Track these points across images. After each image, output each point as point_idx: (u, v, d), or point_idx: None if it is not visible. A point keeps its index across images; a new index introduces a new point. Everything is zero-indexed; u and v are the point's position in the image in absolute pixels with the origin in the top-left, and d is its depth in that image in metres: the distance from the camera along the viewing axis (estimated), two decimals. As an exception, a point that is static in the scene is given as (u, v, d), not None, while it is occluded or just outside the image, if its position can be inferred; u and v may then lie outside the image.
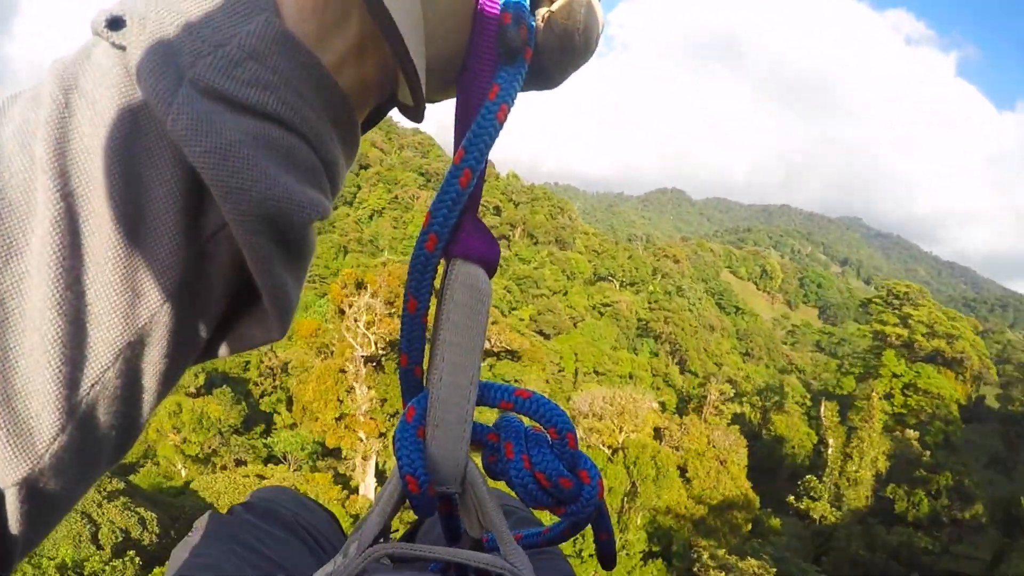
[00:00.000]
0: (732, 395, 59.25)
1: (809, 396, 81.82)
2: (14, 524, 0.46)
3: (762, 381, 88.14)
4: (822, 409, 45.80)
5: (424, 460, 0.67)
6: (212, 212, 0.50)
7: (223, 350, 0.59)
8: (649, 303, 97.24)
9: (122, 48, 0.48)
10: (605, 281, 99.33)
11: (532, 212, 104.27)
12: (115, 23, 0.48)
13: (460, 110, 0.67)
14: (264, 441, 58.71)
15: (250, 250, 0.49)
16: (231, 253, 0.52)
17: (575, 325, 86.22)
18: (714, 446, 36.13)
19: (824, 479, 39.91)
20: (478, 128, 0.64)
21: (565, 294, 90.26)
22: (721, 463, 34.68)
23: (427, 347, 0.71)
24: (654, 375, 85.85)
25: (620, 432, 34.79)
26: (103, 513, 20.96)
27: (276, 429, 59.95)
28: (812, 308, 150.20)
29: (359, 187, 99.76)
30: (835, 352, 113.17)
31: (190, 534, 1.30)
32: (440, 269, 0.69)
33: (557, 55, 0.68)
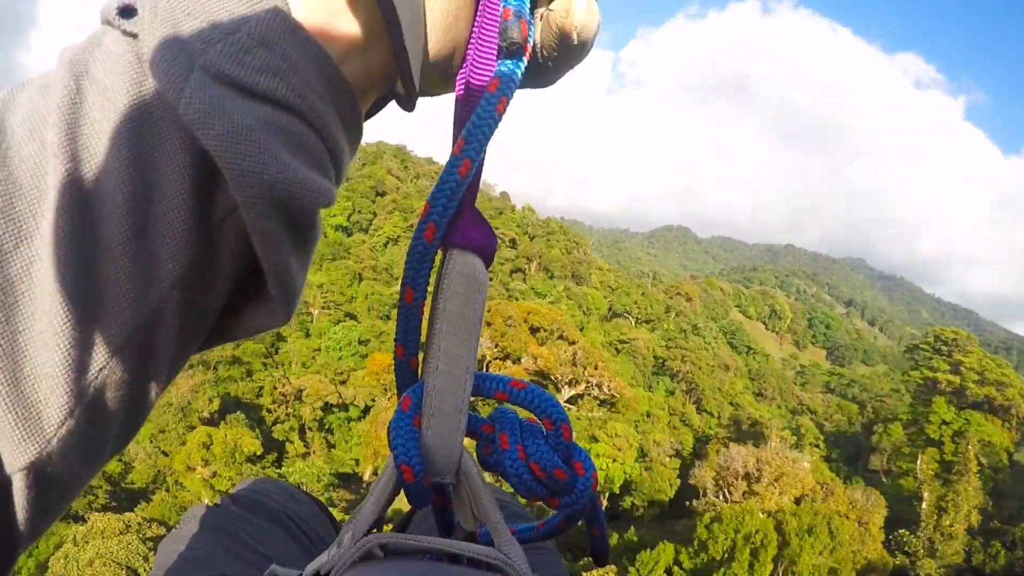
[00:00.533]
0: (794, 443, 56.70)
1: (823, 438, 79.55)
2: (20, 510, 0.45)
3: (776, 423, 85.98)
4: (919, 462, 43.42)
5: (419, 449, 0.66)
6: (221, 198, 0.50)
7: (228, 336, 0.59)
8: (666, 341, 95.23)
9: (133, 36, 0.48)
10: (621, 318, 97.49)
11: (548, 246, 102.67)
12: (126, 11, 0.49)
13: (460, 103, 0.67)
14: (278, 471, 56.30)
15: (260, 234, 0.49)
16: (239, 239, 0.52)
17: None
18: (854, 506, 33.93)
19: (919, 533, 37.91)
20: (478, 119, 0.64)
21: (582, 330, 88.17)
22: (861, 524, 32.49)
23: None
24: (671, 414, 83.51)
25: (780, 495, 32.11)
26: (150, 568, 18.82)
27: (288, 458, 57.65)
28: (820, 349, 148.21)
29: (375, 214, 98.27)
30: (845, 394, 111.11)
31: (178, 526, 1.31)
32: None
33: (554, 53, 0.69)
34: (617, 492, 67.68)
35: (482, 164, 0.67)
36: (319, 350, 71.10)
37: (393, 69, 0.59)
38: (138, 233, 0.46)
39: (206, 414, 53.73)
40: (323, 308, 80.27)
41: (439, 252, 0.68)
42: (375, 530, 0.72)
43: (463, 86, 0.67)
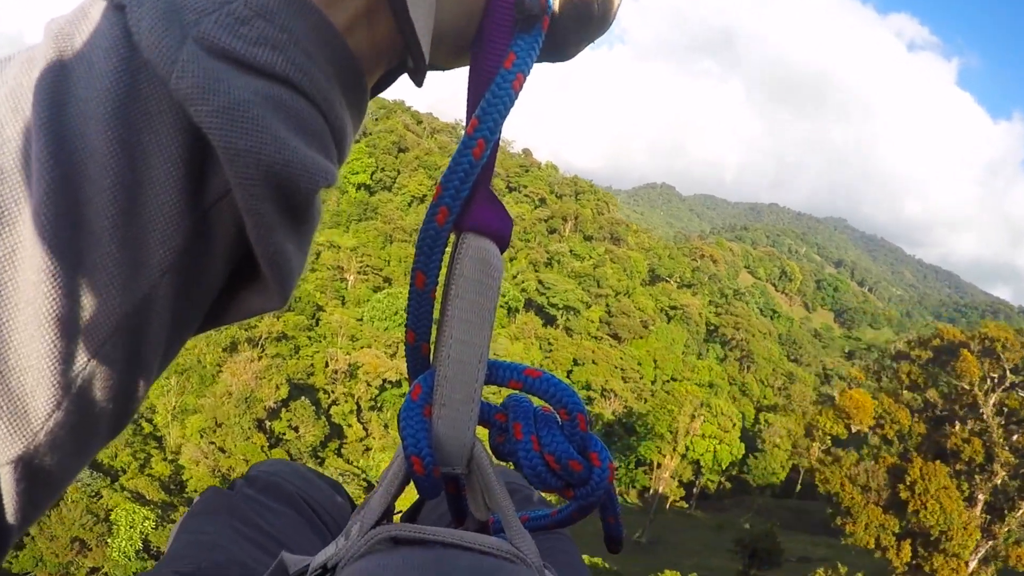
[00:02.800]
0: None
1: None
2: (8, 503, 0.44)
3: (815, 391, 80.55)
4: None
5: (429, 440, 0.65)
6: (214, 179, 0.47)
7: (223, 320, 0.56)
8: (715, 307, 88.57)
9: (121, 8, 0.44)
10: (664, 281, 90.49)
11: (580, 206, 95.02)
12: None
13: (474, 78, 0.64)
14: (359, 465, 48.72)
15: (253, 217, 0.46)
16: (233, 222, 0.49)
17: (645, 327, 77.15)
18: None
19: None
20: (492, 97, 0.61)
21: (628, 295, 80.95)
22: None
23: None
24: (731, 383, 77.25)
25: None
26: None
27: (347, 443, 50.37)
28: (828, 311, 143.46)
29: (398, 171, 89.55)
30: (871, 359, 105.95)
31: (190, 509, 1.30)
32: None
33: (574, 25, 0.65)
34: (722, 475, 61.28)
35: (497, 144, 0.64)
36: (360, 320, 62.95)
37: (402, 41, 0.55)
38: (126, 218, 0.43)
39: (272, 403, 45.73)
40: (359, 273, 71.75)
41: (452, 236, 0.65)
42: (385, 521, 0.70)
43: (477, 60, 0.63)
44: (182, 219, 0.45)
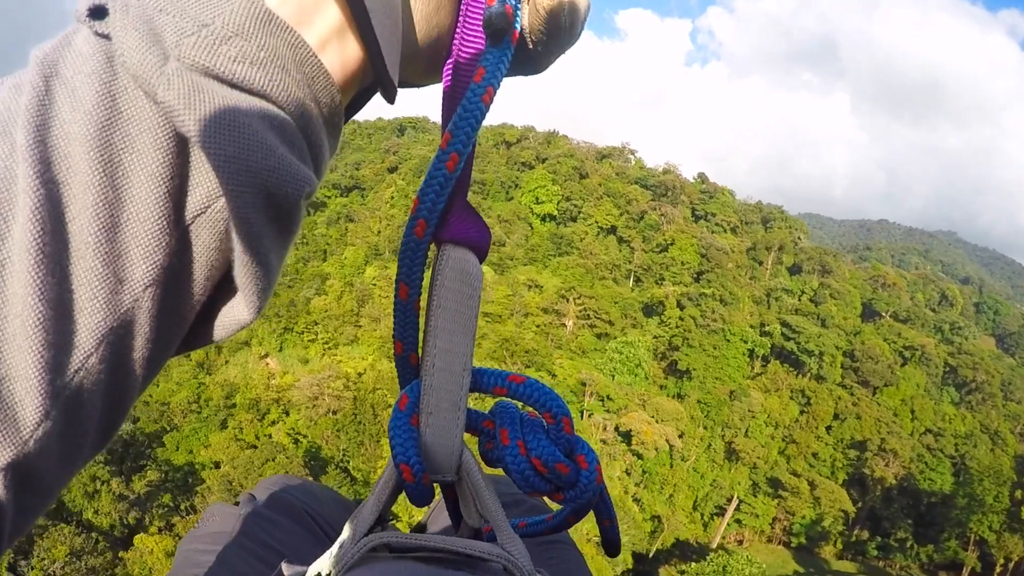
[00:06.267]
0: None
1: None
2: (1, 509, 0.44)
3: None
4: None
5: (418, 448, 0.64)
6: (194, 196, 0.48)
7: (207, 337, 0.57)
8: (948, 344, 78.74)
9: (105, 37, 0.46)
10: (880, 316, 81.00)
11: (770, 234, 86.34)
12: (97, 12, 0.47)
13: (446, 93, 0.64)
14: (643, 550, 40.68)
15: (242, 224, 0.47)
16: (214, 237, 0.49)
17: (891, 371, 67.90)
18: None
19: None
20: (464, 111, 0.61)
21: (857, 334, 71.77)
22: None
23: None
24: (982, 431, 67.52)
25: None
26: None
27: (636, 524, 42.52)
28: (989, 336, 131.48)
29: (584, 200, 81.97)
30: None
31: (197, 525, 1.31)
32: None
33: (543, 37, 0.65)
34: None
35: (471, 157, 0.64)
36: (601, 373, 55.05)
37: (371, 61, 0.55)
38: (109, 234, 0.45)
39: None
40: (580, 318, 63.85)
41: (434, 247, 0.65)
42: (378, 528, 0.70)
43: (450, 76, 0.63)
44: (163, 235, 0.46)
